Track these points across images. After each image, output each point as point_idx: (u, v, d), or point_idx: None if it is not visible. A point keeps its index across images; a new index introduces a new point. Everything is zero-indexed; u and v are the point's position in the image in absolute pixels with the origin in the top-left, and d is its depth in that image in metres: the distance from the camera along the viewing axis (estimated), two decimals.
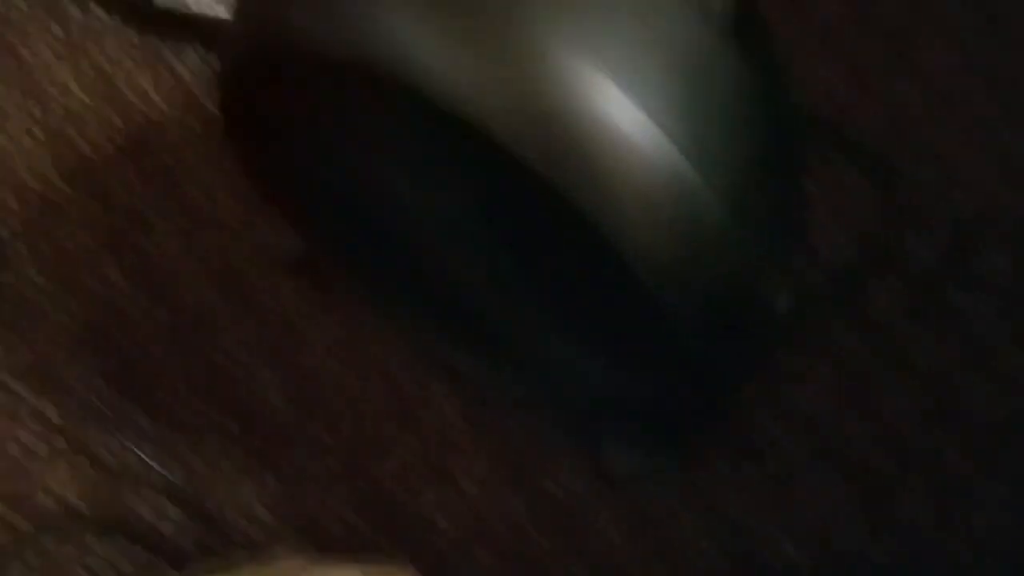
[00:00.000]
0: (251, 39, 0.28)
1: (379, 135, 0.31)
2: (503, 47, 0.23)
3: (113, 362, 0.38)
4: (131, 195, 0.40)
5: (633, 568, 0.37)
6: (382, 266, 0.36)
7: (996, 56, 0.44)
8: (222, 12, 0.42)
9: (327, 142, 0.32)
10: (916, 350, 0.40)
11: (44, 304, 0.38)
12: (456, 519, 0.37)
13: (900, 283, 0.41)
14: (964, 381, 0.40)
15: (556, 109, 0.23)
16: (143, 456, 0.36)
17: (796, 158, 0.29)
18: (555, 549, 0.37)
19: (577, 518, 0.37)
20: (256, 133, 0.32)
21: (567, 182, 0.24)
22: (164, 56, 0.42)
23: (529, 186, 0.24)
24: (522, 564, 0.37)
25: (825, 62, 0.44)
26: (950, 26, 0.44)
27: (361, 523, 0.37)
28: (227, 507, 0.36)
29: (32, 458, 0.37)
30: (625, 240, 0.24)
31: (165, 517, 0.36)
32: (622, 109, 0.23)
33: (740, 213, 0.25)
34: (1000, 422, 0.39)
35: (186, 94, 0.41)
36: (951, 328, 0.40)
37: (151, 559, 0.35)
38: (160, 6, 0.42)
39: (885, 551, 0.38)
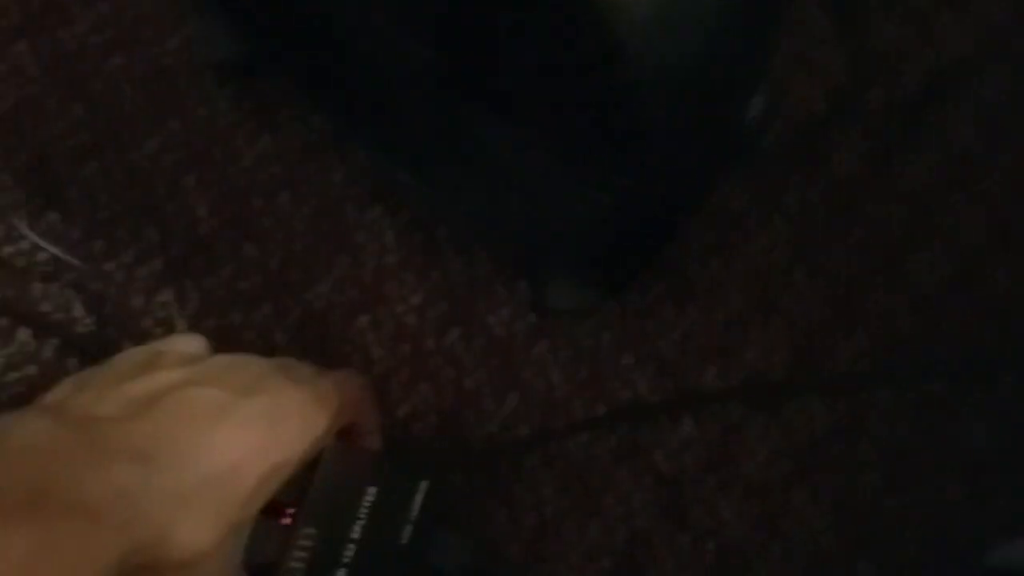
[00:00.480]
0: None
1: None
2: None
3: (24, 156, 0.35)
4: None
5: (566, 400, 0.36)
6: (319, 74, 0.34)
7: None
8: None
9: None
10: (871, 207, 0.39)
11: None
12: (390, 346, 0.35)
13: (862, 137, 0.40)
14: (913, 243, 0.39)
15: None
16: (56, 252, 0.33)
17: None
18: (491, 380, 0.36)
19: (513, 351, 0.36)
20: None
21: None
22: None
23: None
24: (457, 394, 0.35)
25: None
26: None
27: (289, 344, 0.35)
28: (144, 317, 0.34)
29: None
30: (607, 16, 0.22)
31: (76, 320, 0.33)
32: None
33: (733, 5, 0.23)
34: (944, 282, 0.39)
35: None
36: (904, 188, 0.40)
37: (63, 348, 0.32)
38: None
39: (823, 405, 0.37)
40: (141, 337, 0.34)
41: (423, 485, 0.29)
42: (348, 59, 0.32)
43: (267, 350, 0.34)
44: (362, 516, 0.28)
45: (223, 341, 0.31)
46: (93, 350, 0.33)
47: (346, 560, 0.28)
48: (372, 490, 0.29)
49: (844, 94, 0.40)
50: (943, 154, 0.40)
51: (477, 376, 0.36)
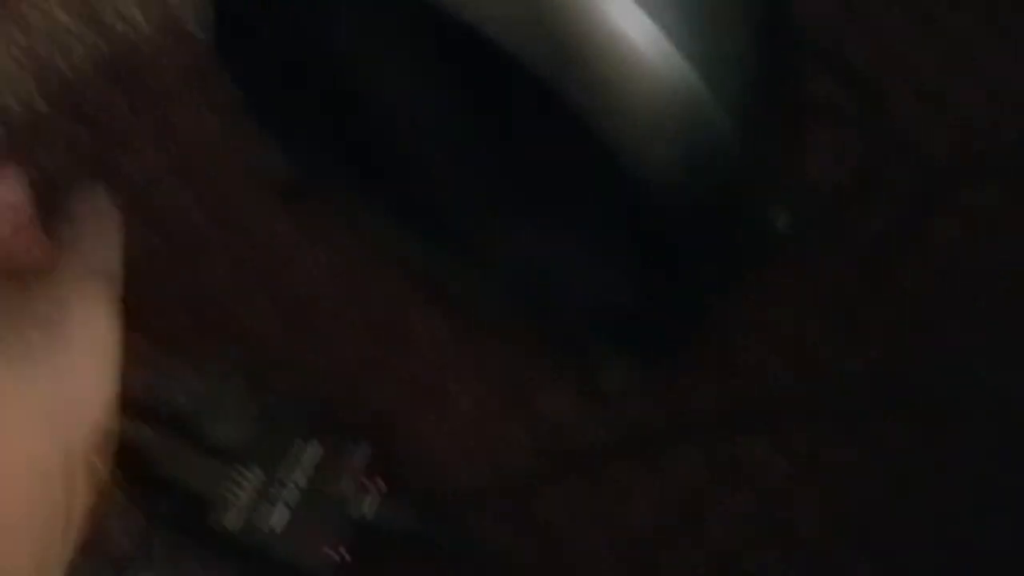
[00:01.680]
0: None
1: (373, 47, 0.31)
2: None
3: None
4: (117, 119, 0.40)
5: (623, 476, 0.38)
6: (372, 187, 0.36)
7: None
8: None
9: (319, 57, 0.32)
10: (902, 276, 0.41)
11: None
12: (455, 438, 0.38)
13: (887, 210, 0.42)
14: (945, 308, 0.41)
15: (564, 15, 0.24)
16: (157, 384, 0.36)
17: (798, 79, 0.30)
18: (548, 465, 0.38)
19: (570, 435, 0.38)
20: (249, 53, 0.32)
21: (571, 88, 0.24)
22: None
23: (531, 92, 0.25)
24: (518, 479, 0.38)
25: None
26: None
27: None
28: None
29: None
30: (627, 142, 0.24)
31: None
32: (631, 18, 0.24)
33: (744, 123, 0.25)
34: (978, 340, 0.40)
35: (173, 20, 0.41)
36: (935, 256, 0.42)
37: None
38: None
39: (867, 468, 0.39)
40: None
41: (364, 445, 0.34)
42: (400, 171, 0.35)
43: None
44: (303, 465, 0.33)
45: None
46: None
47: (287, 501, 0.32)
48: (316, 443, 0.33)
49: (868, 171, 0.42)
50: (967, 222, 0.42)
51: (536, 460, 0.38)
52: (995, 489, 0.39)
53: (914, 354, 0.40)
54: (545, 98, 0.24)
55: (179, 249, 0.39)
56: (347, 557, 0.33)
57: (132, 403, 0.35)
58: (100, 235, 0.26)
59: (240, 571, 0.33)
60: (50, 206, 0.38)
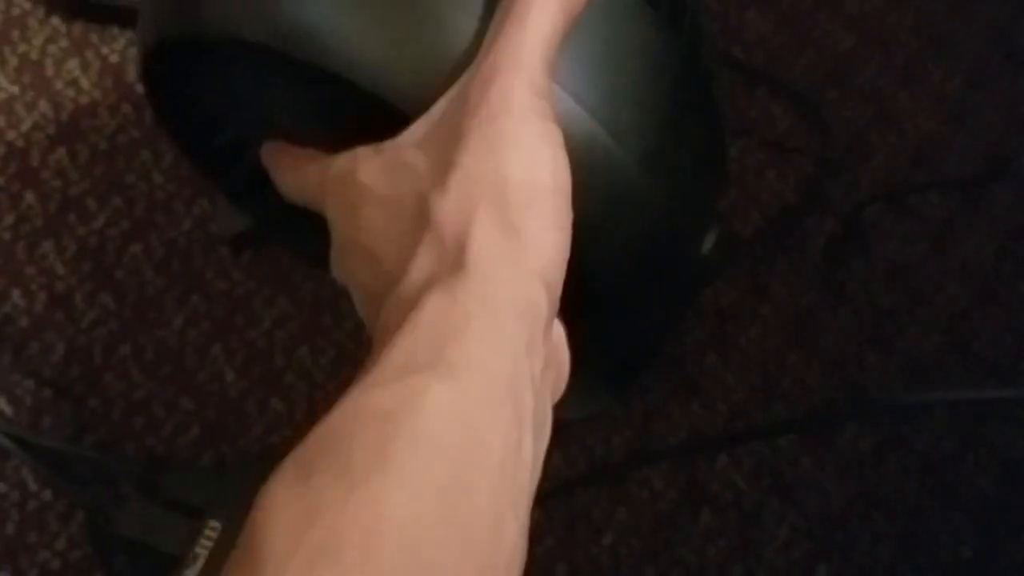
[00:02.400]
0: (165, 25, 0.28)
1: (294, 105, 0.31)
2: (416, 26, 0.24)
3: (60, 348, 0.38)
4: (66, 181, 0.40)
5: (589, 506, 0.38)
6: (323, 233, 0.37)
7: None
8: None
9: (247, 114, 0.33)
10: (852, 285, 0.42)
11: None
12: None
13: (833, 221, 0.42)
14: (899, 313, 0.42)
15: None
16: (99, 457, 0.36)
17: (712, 110, 0.30)
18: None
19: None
20: (182, 110, 0.32)
21: None
22: (91, 41, 0.42)
23: None
24: None
25: (759, 12, 0.45)
26: None
27: None
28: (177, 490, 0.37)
29: None
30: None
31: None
32: None
33: (654, 169, 0.26)
34: (932, 353, 0.41)
35: (116, 78, 0.42)
36: (885, 263, 0.42)
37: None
38: None
39: (828, 477, 0.39)
40: None
41: None
42: None
43: None
44: None
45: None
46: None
47: None
48: None
49: (813, 183, 0.43)
50: (917, 228, 0.43)
51: None
52: (954, 490, 0.39)
53: (868, 360, 0.41)
54: None
55: (132, 306, 0.39)
56: None
57: (91, 465, 0.35)
58: None
59: None
60: (6, 272, 0.39)
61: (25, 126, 0.41)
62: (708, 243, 0.29)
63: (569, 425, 0.39)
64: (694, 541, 0.38)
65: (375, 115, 0.25)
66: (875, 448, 0.40)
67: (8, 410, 0.37)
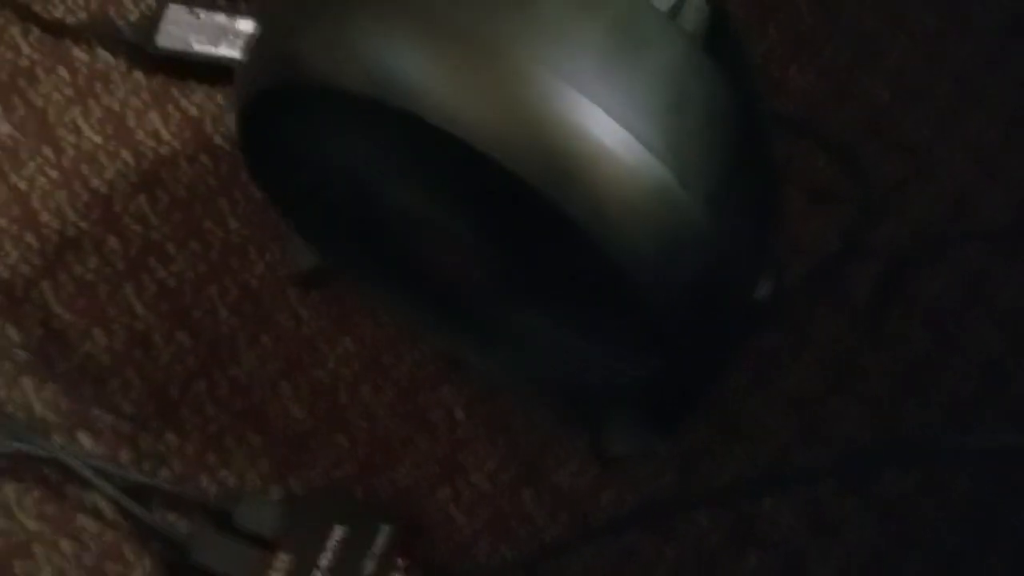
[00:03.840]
0: (264, 76, 0.31)
1: (386, 155, 0.34)
2: (501, 79, 0.27)
3: (139, 384, 0.41)
4: (147, 228, 0.44)
5: (637, 546, 0.40)
6: (391, 276, 0.40)
7: (959, 49, 0.48)
8: (224, 51, 0.45)
9: (339, 164, 0.36)
10: (891, 331, 0.44)
11: (70, 336, 0.42)
12: (470, 511, 0.40)
13: (873, 268, 0.45)
14: (936, 359, 0.44)
15: (550, 134, 0.27)
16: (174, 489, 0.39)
17: (768, 159, 0.33)
18: (563, 534, 0.40)
19: (581, 503, 0.41)
20: (273, 160, 0.35)
21: (562, 197, 0.28)
22: (171, 94, 0.45)
23: (529, 202, 0.28)
24: (533, 553, 0.40)
25: (800, 66, 0.48)
26: (913, 25, 0.48)
27: (384, 522, 0.40)
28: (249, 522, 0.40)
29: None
30: (612, 242, 0.28)
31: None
32: (607, 129, 0.27)
33: (717, 212, 0.29)
34: (969, 398, 0.43)
35: (194, 130, 0.45)
36: (923, 310, 0.44)
37: None
38: (163, 48, 0.45)
39: (872, 520, 0.41)
40: None
41: (386, 528, 0.37)
42: (417, 260, 0.39)
43: None
44: (329, 549, 0.36)
45: None
46: None
47: None
48: (339, 528, 0.37)
49: (853, 232, 0.45)
50: (955, 276, 0.45)
51: (551, 531, 0.40)
52: (991, 533, 0.41)
53: (907, 405, 0.43)
54: (539, 205, 0.28)
55: (207, 345, 0.42)
56: None
57: (166, 497, 0.38)
58: None
59: None
60: (92, 315, 0.42)
61: (108, 174, 0.44)
62: (763, 289, 0.31)
63: (618, 462, 0.42)
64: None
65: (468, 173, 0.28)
66: (914, 491, 0.42)
67: (88, 443, 0.40)
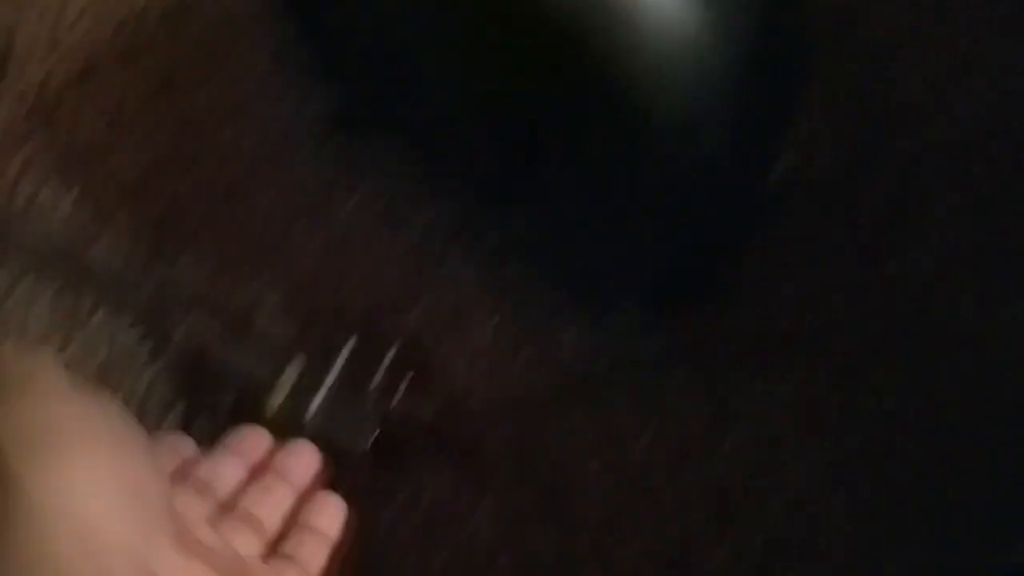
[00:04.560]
0: None
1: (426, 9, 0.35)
2: None
3: (162, 206, 0.43)
4: (170, 61, 0.45)
5: (625, 409, 0.42)
6: (414, 127, 0.41)
7: None
8: None
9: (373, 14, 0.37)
10: (905, 240, 0.45)
11: (99, 150, 0.43)
12: (471, 362, 0.42)
13: (889, 185, 0.46)
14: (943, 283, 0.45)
15: None
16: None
17: (800, 46, 0.34)
18: (557, 399, 0.42)
19: (579, 368, 0.42)
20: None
21: (600, 40, 0.29)
22: None
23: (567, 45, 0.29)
24: (523, 410, 0.42)
25: None
26: None
27: (389, 368, 0.42)
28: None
29: None
30: (648, 91, 0.29)
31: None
32: None
33: (744, 73, 0.30)
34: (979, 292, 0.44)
35: None
36: (929, 231, 0.46)
37: None
38: None
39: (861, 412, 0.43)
40: None
41: (395, 345, 0.40)
42: (442, 112, 0.40)
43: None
44: (342, 359, 0.39)
45: None
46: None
47: (325, 387, 0.38)
48: (352, 341, 0.39)
49: (869, 145, 0.47)
50: (963, 199, 0.46)
51: (544, 391, 0.42)
52: (987, 426, 0.43)
53: (914, 306, 0.44)
54: (574, 48, 0.29)
55: (229, 179, 0.43)
56: (371, 442, 0.37)
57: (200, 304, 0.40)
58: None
59: None
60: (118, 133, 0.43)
61: (135, 8, 0.45)
62: (777, 171, 0.33)
63: (616, 332, 0.43)
64: (726, 458, 0.41)
65: None
66: (910, 386, 0.43)
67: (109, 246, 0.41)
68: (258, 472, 0.34)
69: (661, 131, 0.30)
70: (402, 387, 0.39)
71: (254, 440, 0.35)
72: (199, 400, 0.39)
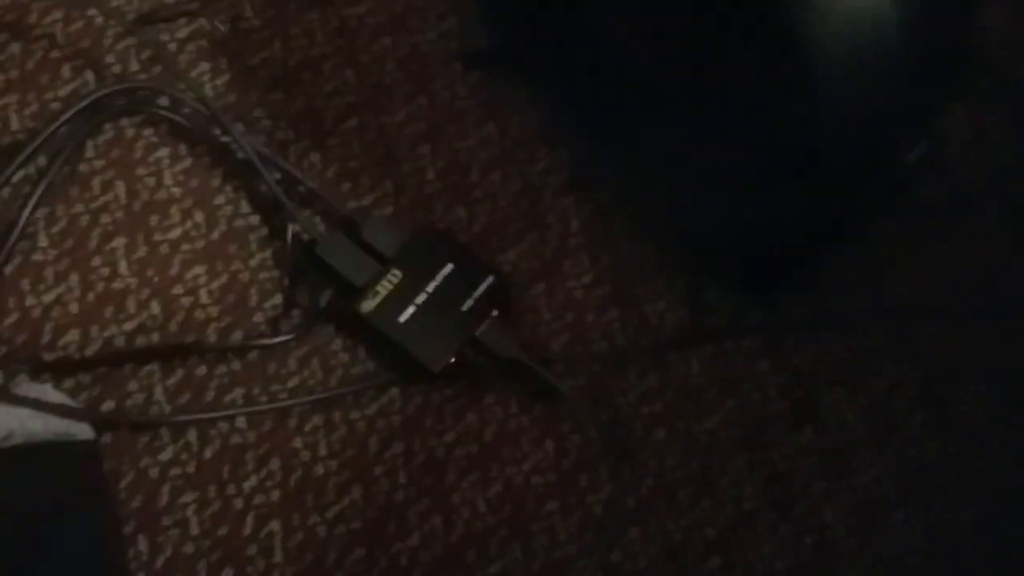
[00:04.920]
0: None
1: None
2: None
3: (300, 105, 0.45)
4: None
5: (705, 394, 0.42)
6: (560, 67, 0.42)
7: None
8: None
9: None
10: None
11: (253, 40, 0.45)
12: (558, 313, 0.43)
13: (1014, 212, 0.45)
14: None
15: None
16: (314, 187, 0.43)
17: (968, 29, 0.33)
18: (636, 362, 0.43)
19: (661, 339, 0.43)
20: None
21: None
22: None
23: None
24: (601, 366, 0.43)
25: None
26: None
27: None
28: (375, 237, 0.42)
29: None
30: (801, 32, 0.28)
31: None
32: None
33: (915, 48, 0.29)
34: None
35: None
36: None
37: None
38: None
39: (937, 443, 0.43)
40: None
41: (490, 278, 0.41)
42: (584, 57, 0.41)
43: None
44: (438, 279, 0.40)
45: None
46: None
47: (417, 301, 0.40)
48: (450, 265, 0.40)
49: (1007, 172, 0.46)
50: None
51: (628, 350, 0.43)
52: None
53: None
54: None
55: (370, 89, 0.45)
56: (453, 359, 0.39)
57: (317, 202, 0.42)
58: None
59: (371, 352, 0.40)
60: (277, 27, 0.45)
61: None
62: (916, 153, 0.32)
63: (707, 312, 0.43)
64: (788, 449, 0.42)
65: None
66: (991, 419, 0.43)
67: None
68: None
69: (815, 80, 0.30)
70: (489, 320, 0.40)
71: None
72: (300, 290, 0.42)
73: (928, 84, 0.31)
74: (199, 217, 0.42)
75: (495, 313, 0.40)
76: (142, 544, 0.38)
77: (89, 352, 0.40)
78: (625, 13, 0.37)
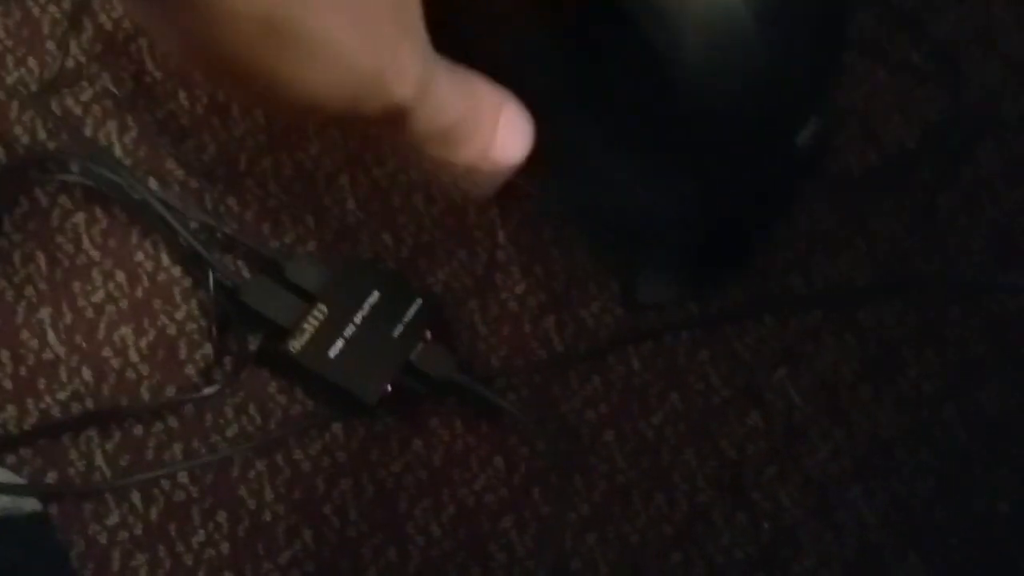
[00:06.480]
0: None
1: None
2: None
3: (212, 152, 0.46)
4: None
5: (648, 391, 0.43)
6: None
7: None
8: None
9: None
10: (954, 240, 0.45)
11: (158, 93, 0.46)
12: (493, 327, 0.44)
13: (952, 172, 0.46)
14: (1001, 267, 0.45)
15: None
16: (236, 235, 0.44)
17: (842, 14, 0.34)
18: (577, 367, 0.44)
19: (599, 341, 0.44)
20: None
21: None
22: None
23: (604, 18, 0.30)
24: (542, 375, 0.44)
25: None
26: None
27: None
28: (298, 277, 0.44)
29: None
30: (663, 40, 0.30)
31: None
32: None
33: (771, 28, 0.30)
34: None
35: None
36: (993, 216, 0.45)
37: None
38: None
39: (889, 415, 0.43)
40: None
41: (418, 301, 0.42)
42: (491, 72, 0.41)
43: None
44: (365, 309, 0.41)
45: None
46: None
47: (345, 334, 0.41)
48: (376, 293, 0.41)
49: (937, 132, 0.46)
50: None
51: (567, 356, 0.44)
52: (1006, 450, 0.43)
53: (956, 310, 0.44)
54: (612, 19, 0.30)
55: (279, 129, 0.46)
56: (389, 388, 0.40)
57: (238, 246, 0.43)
58: None
59: (305, 392, 0.41)
60: None
61: None
62: (805, 134, 0.33)
63: (643, 310, 0.44)
64: (738, 436, 0.43)
65: None
66: (936, 393, 0.44)
67: (157, 190, 0.45)
68: None
69: (684, 65, 0.31)
70: (422, 343, 0.41)
71: None
72: (229, 338, 0.43)
73: (796, 66, 0.32)
74: (120, 277, 0.43)
75: (428, 336, 0.41)
76: None
77: (27, 426, 0.41)
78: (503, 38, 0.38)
